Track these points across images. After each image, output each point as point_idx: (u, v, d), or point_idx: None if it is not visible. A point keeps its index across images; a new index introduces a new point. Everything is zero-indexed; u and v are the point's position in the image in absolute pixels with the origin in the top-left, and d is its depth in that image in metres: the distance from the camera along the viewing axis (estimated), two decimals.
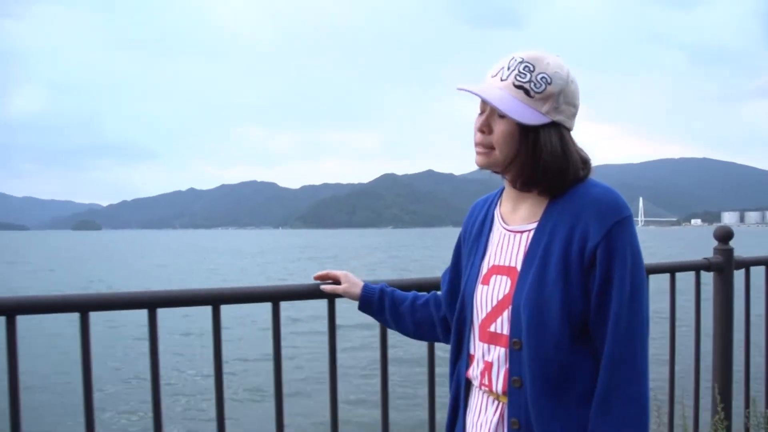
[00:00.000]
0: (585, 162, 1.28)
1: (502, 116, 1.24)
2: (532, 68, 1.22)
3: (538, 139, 1.22)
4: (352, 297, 1.66)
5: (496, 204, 1.39)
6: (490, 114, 1.27)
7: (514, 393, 1.24)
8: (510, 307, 1.25)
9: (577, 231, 1.20)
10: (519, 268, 1.26)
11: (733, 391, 2.57)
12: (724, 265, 2.56)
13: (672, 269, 2.40)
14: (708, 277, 2.59)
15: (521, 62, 1.23)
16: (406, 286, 1.72)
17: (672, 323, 2.46)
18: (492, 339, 1.29)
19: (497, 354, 1.28)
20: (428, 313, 1.56)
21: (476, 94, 1.24)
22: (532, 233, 1.27)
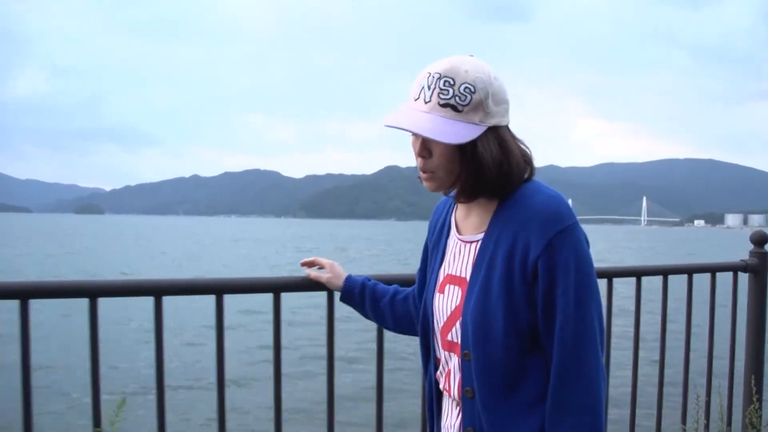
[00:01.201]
0: (527, 159, 1.25)
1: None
2: (452, 81, 1.17)
3: (476, 151, 1.19)
4: (334, 288, 1.69)
5: (453, 209, 1.38)
6: (424, 138, 1.22)
7: (467, 402, 1.26)
8: (460, 318, 1.25)
9: (520, 242, 1.19)
10: (468, 279, 1.26)
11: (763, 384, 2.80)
12: (759, 267, 2.81)
13: (713, 269, 2.64)
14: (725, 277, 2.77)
15: (440, 78, 1.18)
16: (390, 281, 1.73)
17: (711, 321, 2.71)
18: (450, 347, 1.30)
19: (454, 362, 1.30)
20: (407, 309, 1.57)
21: (406, 130, 1.19)
22: (479, 244, 1.26)
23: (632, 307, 2.40)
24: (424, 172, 1.24)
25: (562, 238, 1.16)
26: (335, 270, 1.69)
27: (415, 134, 1.23)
